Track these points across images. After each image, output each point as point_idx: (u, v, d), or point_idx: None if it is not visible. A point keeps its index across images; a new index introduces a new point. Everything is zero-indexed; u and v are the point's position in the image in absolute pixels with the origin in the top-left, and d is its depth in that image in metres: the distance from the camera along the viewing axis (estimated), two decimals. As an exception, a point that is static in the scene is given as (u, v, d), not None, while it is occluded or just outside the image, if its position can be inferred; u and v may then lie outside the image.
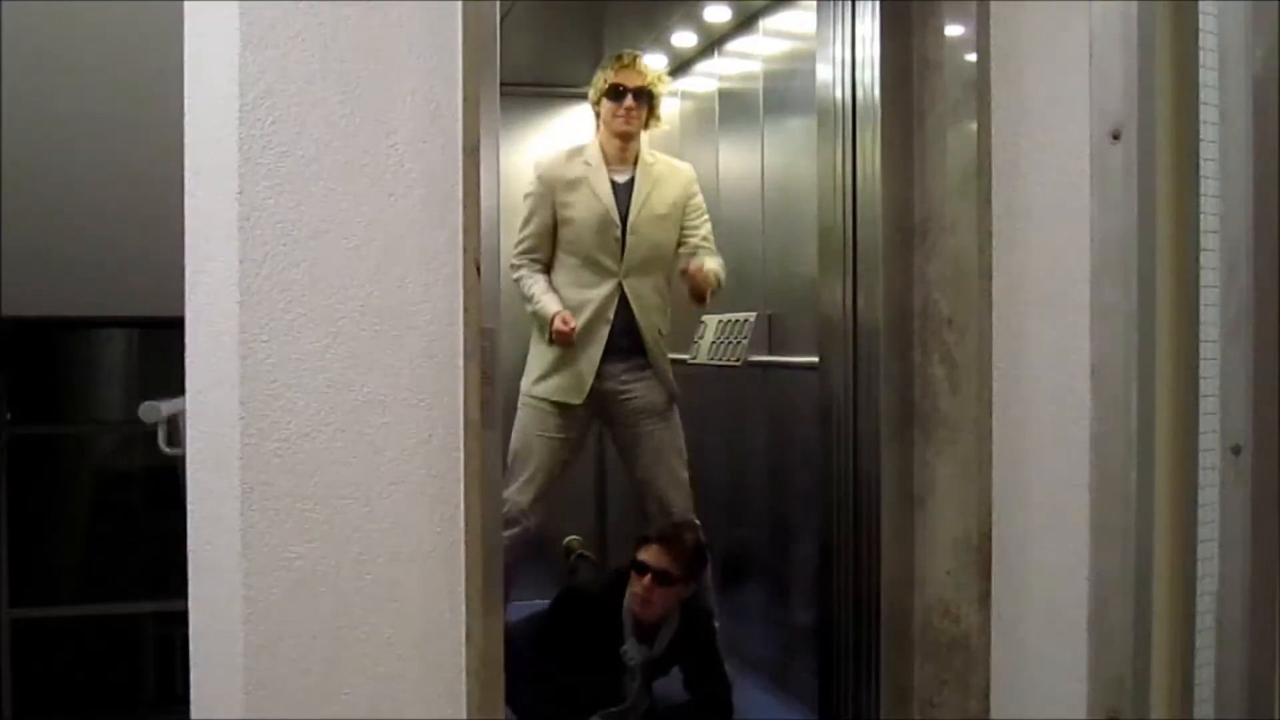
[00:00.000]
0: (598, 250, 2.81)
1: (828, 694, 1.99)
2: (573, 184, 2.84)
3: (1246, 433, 1.39)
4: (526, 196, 2.88)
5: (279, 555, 1.35)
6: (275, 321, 1.35)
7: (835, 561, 1.96)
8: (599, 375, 2.81)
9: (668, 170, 2.94)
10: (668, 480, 2.90)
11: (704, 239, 2.94)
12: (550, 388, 2.82)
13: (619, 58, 2.87)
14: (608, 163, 2.86)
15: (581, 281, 2.83)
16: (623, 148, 2.87)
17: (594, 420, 2.93)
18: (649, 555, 2.57)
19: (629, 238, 2.82)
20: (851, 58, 1.90)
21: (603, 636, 2.61)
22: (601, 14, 3.38)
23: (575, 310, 2.79)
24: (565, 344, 2.77)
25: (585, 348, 2.80)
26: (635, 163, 2.89)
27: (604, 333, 2.80)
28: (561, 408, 2.81)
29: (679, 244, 2.93)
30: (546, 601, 2.86)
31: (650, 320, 2.86)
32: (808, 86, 2.30)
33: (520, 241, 2.88)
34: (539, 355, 2.87)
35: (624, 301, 2.82)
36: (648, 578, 2.55)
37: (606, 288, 2.82)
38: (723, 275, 2.90)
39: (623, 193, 2.85)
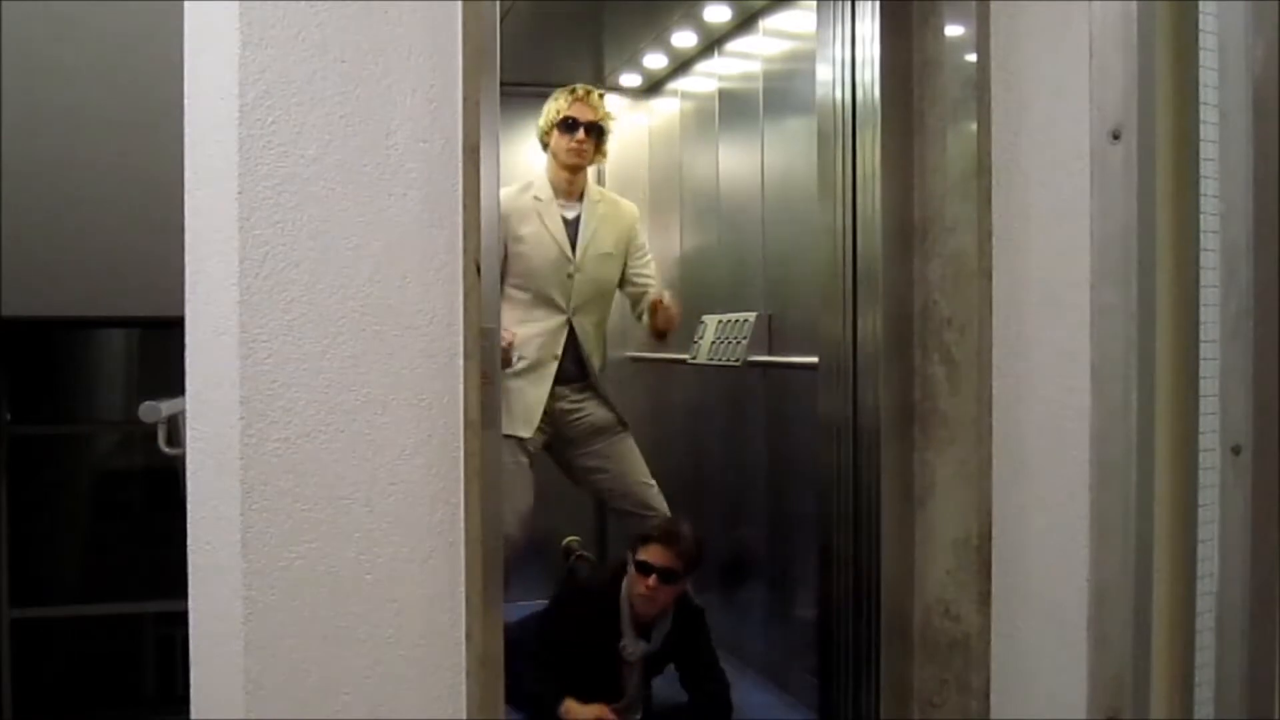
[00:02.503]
0: (550, 286, 2.84)
1: (828, 694, 1.99)
2: (524, 218, 2.85)
3: (1246, 433, 1.39)
4: None
5: (279, 555, 1.35)
6: (275, 321, 1.35)
7: (835, 561, 1.96)
8: (570, 408, 2.88)
9: (612, 208, 2.97)
10: (640, 484, 2.94)
11: (650, 278, 3.01)
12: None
13: (573, 90, 2.89)
14: (556, 196, 2.88)
15: (530, 317, 2.84)
16: (570, 180, 2.89)
17: (544, 448, 2.95)
18: (653, 555, 2.58)
19: (576, 275, 2.85)
20: (851, 58, 1.90)
21: (602, 631, 2.62)
22: (601, 14, 3.38)
23: (523, 345, 2.81)
24: (505, 363, 2.72)
25: (534, 383, 2.82)
26: (581, 198, 2.91)
27: (552, 368, 2.84)
28: (515, 439, 2.82)
29: (622, 282, 2.98)
30: (545, 602, 2.87)
31: (595, 353, 2.92)
32: (808, 86, 2.30)
33: None
34: None
35: (572, 336, 2.86)
36: (653, 577, 2.56)
37: (555, 323, 2.84)
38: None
39: (570, 228, 2.88)
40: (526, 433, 2.80)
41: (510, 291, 2.85)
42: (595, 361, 2.93)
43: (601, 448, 2.95)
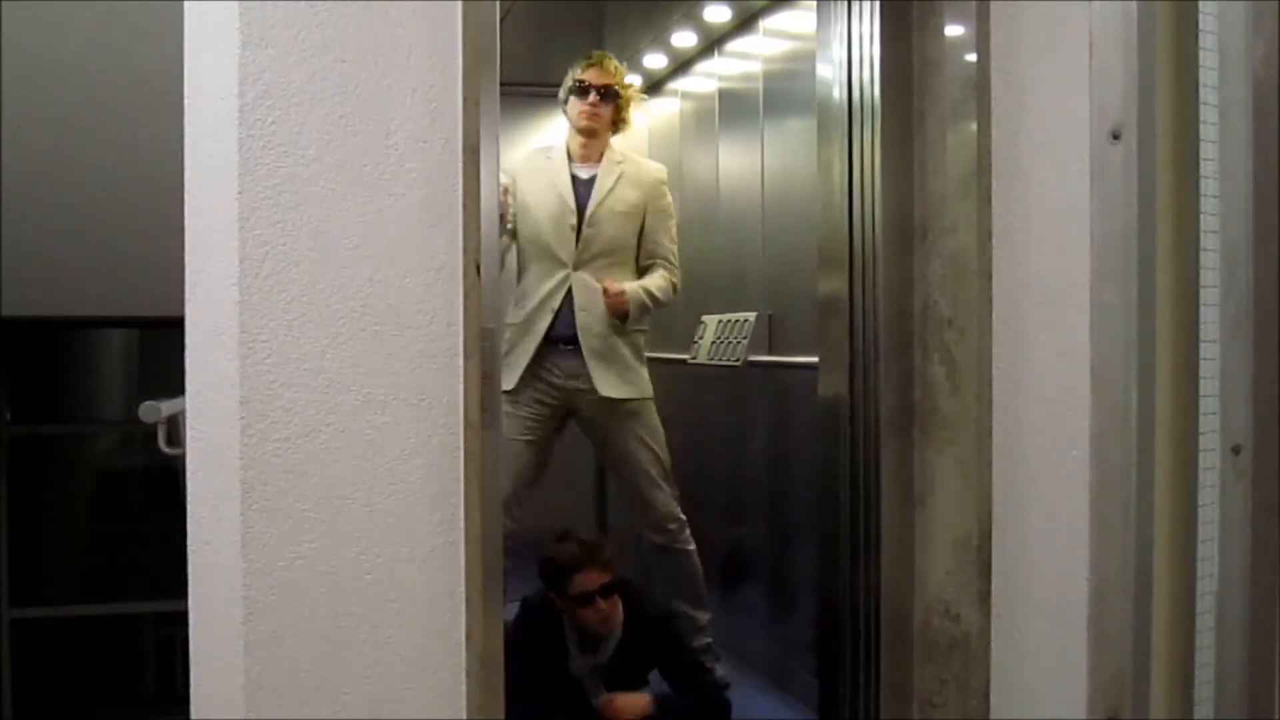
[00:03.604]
0: (553, 241, 2.84)
1: (828, 694, 1.99)
2: (533, 174, 2.89)
3: (1246, 433, 1.39)
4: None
5: (279, 555, 1.35)
6: (275, 321, 1.35)
7: (835, 561, 1.96)
8: (567, 374, 2.82)
9: (635, 170, 2.94)
10: (642, 480, 2.88)
11: (660, 259, 2.92)
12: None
13: (588, 56, 2.91)
14: (571, 159, 2.90)
15: (538, 273, 2.86)
16: (586, 144, 2.90)
17: (563, 420, 2.92)
18: (585, 583, 2.50)
19: (586, 229, 2.84)
20: (851, 58, 1.90)
21: (548, 654, 2.58)
22: (601, 14, 3.39)
23: (525, 298, 2.84)
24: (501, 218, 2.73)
25: (527, 336, 2.83)
26: (600, 160, 2.91)
27: (546, 322, 2.82)
28: (521, 407, 2.81)
29: (640, 248, 2.93)
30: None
31: (594, 317, 2.82)
32: (808, 86, 2.30)
33: None
34: None
35: (569, 294, 2.83)
36: (596, 601, 2.50)
37: (557, 279, 2.84)
38: (660, 293, 2.87)
39: (584, 187, 2.88)
40: (509, 385, 2.77)
41: (522, 248, 2.90)
42: (595, 326, 2.81)
43: (606, 431, 2.85)
